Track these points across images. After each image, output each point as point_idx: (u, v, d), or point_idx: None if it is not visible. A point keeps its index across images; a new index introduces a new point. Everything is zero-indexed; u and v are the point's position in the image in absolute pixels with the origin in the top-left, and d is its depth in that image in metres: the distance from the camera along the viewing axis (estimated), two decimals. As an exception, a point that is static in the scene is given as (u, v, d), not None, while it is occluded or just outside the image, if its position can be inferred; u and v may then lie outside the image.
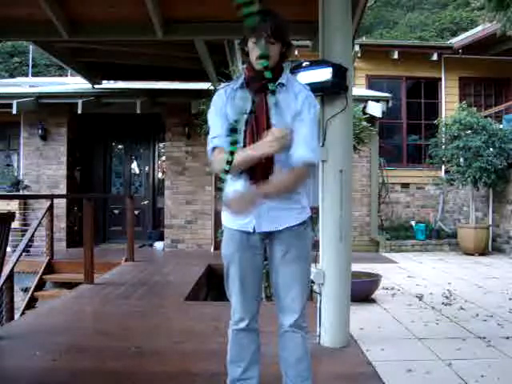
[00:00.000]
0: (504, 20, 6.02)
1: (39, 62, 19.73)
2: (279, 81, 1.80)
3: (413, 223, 8.88)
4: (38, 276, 6.21)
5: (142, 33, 4.87)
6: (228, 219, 1.90)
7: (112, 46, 6.10)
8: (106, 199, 9.31)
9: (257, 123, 1.77)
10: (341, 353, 2.96)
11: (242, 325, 1.91)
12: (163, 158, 9.11)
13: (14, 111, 7.29)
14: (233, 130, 1.66)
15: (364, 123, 5.23)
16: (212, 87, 7.11)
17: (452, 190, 9.07)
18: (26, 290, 6.23)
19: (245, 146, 1.76)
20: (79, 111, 7.39)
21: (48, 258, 6.46)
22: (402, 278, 5.70)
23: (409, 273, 6.14)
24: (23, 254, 5.59)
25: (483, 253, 7.78)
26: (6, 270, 4.78)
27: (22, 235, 6.32)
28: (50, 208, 6.45)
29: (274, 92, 1.77)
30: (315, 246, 2.90)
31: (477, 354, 2.95)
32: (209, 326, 3.47)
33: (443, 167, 9.03)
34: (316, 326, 3.06)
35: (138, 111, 7.48)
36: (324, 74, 2.88)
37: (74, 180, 8.69)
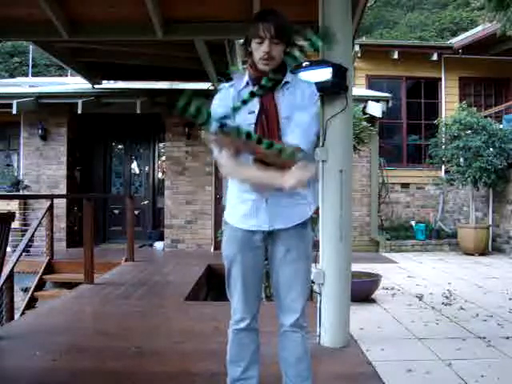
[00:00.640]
0: (504, 20, 6.02)
1: (39, 62, 19.73)
2: (285, 79, 1.80)
3: (413, 223, 8.88)
4: (38, 276, 6.22)
5: (142, 33, 4.87)
6: (237, 219, 1.87)
7: (112, 45, 6.10)
8: (106, 199, 9.31)
9: (267, 121, 1.76)
10: (341, 353, 2.96)
11: (243, 324, 1.91)
12: (163, 157, 9.11)
13: (14, 111, 7.30)
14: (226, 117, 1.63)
15: (364, 123, 5.23)
16: (212, 87, 7.12)
17: (452, 189, 9.07)
18: (25, 290, 6.23)
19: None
20: (79, 111, 7.40)
21: (48, 258, 6.47)
22: (402, 278, 5.70)
23: (409, 273, 6.14)
24: (23, 254, 5.59)
25: (483, 253, 7.78)
26: (6, 270, 4.78)
27: (22, 235, 6.32)
28: (50, 208, 6.45)
29: (273, 87, 1.77)
30: (315, 245, 2.90)
31: (477, 353, 2.95)
32: (209, 326, 3.46)
33: (443, 167, 9.03)
34: (316, 326, 3.06)
35: (138, 111, 7.49)
36: (324, 74, 2.88)
37: (74, 180, 8.69)
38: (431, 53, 9.77)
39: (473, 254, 7.71)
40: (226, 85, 1.89)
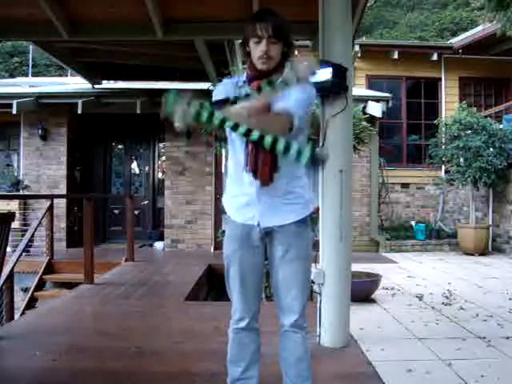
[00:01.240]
0: (504, 20, 6.03)
1: (39, 62, 19.73)
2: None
3: (413, 223, 8.88)
4: (38, 276, 6.22)
5: (142, 33, 4.87)
6: (234, 212, 1.89)
7: (112, 45, 6.10)
8: (106, 199, 9.30)
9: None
10: (341, 353, 2.96)
11: (243, 324, 1.91)
12: (163, 157, 9.11)
13: (14, 111, 7.30)
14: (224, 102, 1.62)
15: (364, 123, 5.23)
16: (212, 87, 7.11)
17: (452, 190, 9.07)
18: (25, 290, 6.24)
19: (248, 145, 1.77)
20: (79, 111, 7.40)
21: (48, 258, 6.47)
22: (401, 278, 5.70)
23: (409, 273, 6.14)
24: (23, 254, 5.60)
25: (483, 253, 7.79)
26: (6, 270, 4.78)
27: (22, 235, 6.32)
28: (50, 208, 6.45)
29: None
30: (315, 245, 2.90)
31: (477, 353, 2.95)
32: (209, 326, 3.46)
33: (443, 167, 9.03)
34: (316, 326, 3.06)
35: (138, 111, 7.48)
36: (324, 74, 2.87)
37: (74, 180, 8.69)
38: (431, 53, 9.78)
39: (473, 254, 7.71)
40: (228, 81, 1.92)
